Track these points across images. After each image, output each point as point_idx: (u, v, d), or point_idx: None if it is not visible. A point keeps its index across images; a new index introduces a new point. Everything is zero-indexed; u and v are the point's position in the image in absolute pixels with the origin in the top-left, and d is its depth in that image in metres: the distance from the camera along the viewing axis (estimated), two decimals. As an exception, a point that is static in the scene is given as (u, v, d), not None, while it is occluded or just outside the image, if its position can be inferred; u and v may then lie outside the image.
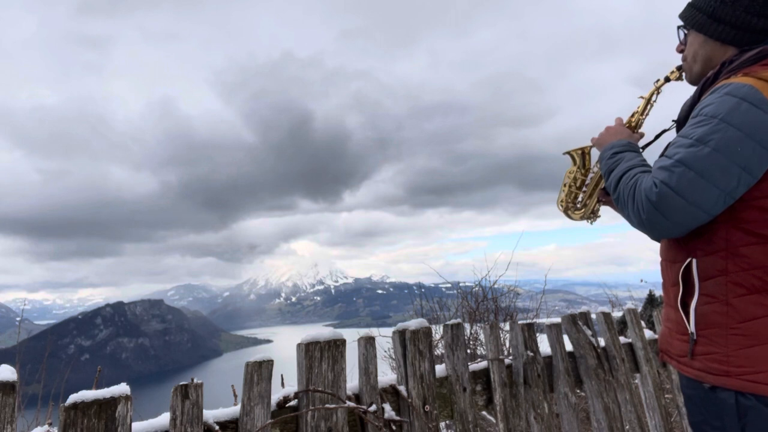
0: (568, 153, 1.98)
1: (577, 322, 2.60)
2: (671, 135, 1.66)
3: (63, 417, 1.32)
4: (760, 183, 1.34)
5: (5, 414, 1.27)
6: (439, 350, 4.04)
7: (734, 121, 1.31)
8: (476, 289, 5.66)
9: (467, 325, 5.17)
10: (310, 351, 1.75)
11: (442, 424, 2.72)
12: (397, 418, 1.87)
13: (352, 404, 1.78)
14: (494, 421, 2.41)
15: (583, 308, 2.76)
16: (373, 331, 3.33)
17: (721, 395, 1.38)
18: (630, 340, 2.85)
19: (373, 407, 1.83)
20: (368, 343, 1.91)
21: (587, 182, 1.96)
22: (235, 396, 2.36)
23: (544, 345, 2.54)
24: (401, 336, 2.01)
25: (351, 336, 1.93)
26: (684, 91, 1.68)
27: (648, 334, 2.94)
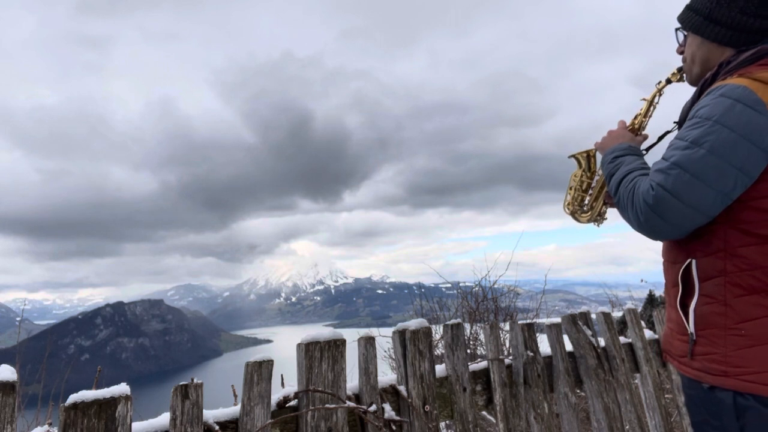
0: (574, 156, 1.98)
1: (577, 322, 2.60)
2: (674, 137, 1.67)
3: (63, 417, 1.32)
4: (757, 183, 1.34)
5: (5, 414, 1.27)
6: (439, 350, 4.04)
7: (729, 123, 1.32)
8: (476, 289, 5.66)
9: (467, 325, 5.17)
10: (310, 351, 1.75)
11: (442, 424, 2.72)
12: (397, 418, 1.87)
13: (352, 404, 1.78)
14: (494, 421, 2.41)
15: (583, 308, 2.76)
16: (373, 331, 3.34)
17: (720, 395, 1.39)
18: (630, 340, 2.85)
19: (373, 407, 1.83)
20: (368, 343, 1.91)
21: (593, 185, 1.97)
22: (235, 396, 2.36)
23: (544, 345, 2.54)
24: (401, 336, 2.01)
25: (351, 336, 1.93)
26: (686, 92, 1.68)
27: (648, 334, 2.94)
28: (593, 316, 2.74)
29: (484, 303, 5.56)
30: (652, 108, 1.86)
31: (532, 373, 2.34)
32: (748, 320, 1.35)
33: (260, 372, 1.63)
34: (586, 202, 1.98)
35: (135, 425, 1.46)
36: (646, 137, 1.83)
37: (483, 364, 2.28)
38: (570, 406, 2.41)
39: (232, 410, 1.64)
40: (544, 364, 2.41)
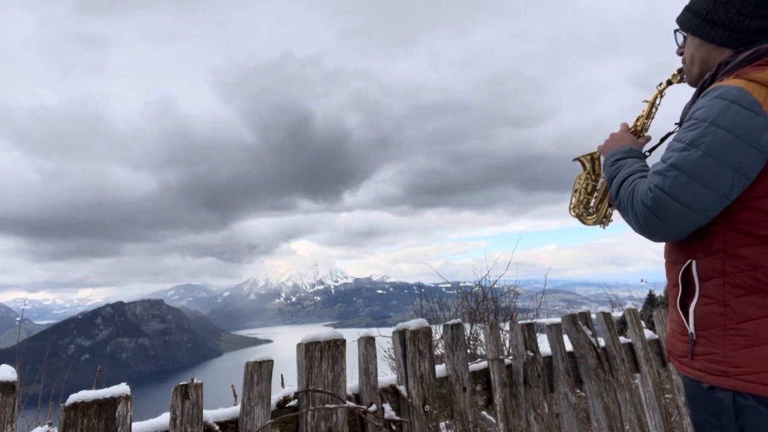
0: (578, 159, 1.99)
1: (577, 322, 2.60)
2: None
3: (63, 417, 1.32)
4: (755, 184, 1.35)
5: (5, 414, 1.27)
6: (439, 350, 4.04)
7: (724, 124, 1.32)
8: (476, 289, 5.66)
9: (467, 325, 5.17)
10: (310, 351, 1.75)
11: (442, 424, 2.72)
12: (397, 418, 1.87)
13: (352, 404, 1.78)
14: (494, 421, 2.41)
15: (583, 308, 2.76)
16: (373, 331, 3.33)
17: (719, 395, 1.39)
18: (630, 340, 2.85)
19: (373, 407, 1.83)
20: (368, 343, 1.91)
21: (598, 187, 1.97)
22: (235, 396, 2.36)
23: (544, 345, 2.54)
24: (401, 336, 2.01)
25: (351, 336, 1.93)
26: (687, 93, 1.69)
27: (648, 334, 2.94)
28: (593, 316, 2.74)
29: (484, 303, 5.56)
30: (653, 109, 1.86)
31: (532, 373, 2.34)
32: (748, 320, 1.35)
33: (260, 372, 1.63)
34: (592, 204, 1.98)
35: (135, 425, 1.46)
36: (648, 139, 1.83)
37: (483, 364, 2.28)
38: (570, 406, 2.41)
39: (232, 410, 1.64)
40: (544, 364, 2.41)
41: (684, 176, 1.34)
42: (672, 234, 1.42)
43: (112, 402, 1.38)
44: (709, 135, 1.33)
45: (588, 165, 1.97)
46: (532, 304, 6.10)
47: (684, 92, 1.76)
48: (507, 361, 2.35)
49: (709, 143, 1.33)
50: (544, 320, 2.74)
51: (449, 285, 6.29)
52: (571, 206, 2.01)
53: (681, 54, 1.71)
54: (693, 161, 1.33)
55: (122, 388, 1.41)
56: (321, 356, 1.76)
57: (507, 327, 2.57)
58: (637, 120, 1.87)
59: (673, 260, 1.57)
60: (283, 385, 2.00)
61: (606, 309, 2.86)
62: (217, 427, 1.55)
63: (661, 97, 1.86)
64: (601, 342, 2.68)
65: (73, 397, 1.35)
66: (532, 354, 2.37)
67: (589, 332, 2.60)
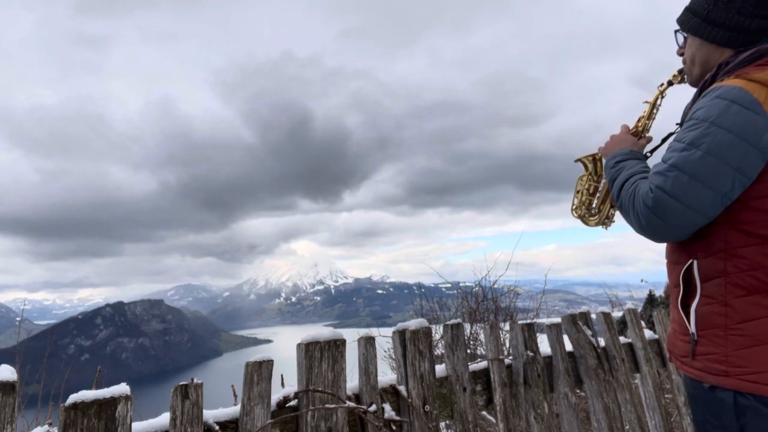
0: (580, 160, 1.99)
1: (577, 322, 2.60)
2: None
3: (63, 417, 1.32)
4: (756, 184, 1.35)
5: (5, 414, 1.27)
6: (439, 350, 4.04)
7: (725, 124, 1.32)
8: (476, 289, 5.66)
9: (467, 325, 5.17)
10: (310, 351, 1.75)
11: (442, 424, 2.72)
12: (397, 418, 1.87)
13: (352, 404, 1.78)
14: (494, 421, 2.41)
15: (583, 308, 2.76)
16: (373, 331, 3.34)
17: (720, 395, 1.39)
18: (630, 340, 2.85)
19: (373, 407, 1.83)
20: (368, 343, 1.91)
21: (600, 188, 1.97)
22: (235, 396, 2.36)
23: (544, 345, 2.54)
24: (401, 336, 2.01)
25: (351, 336, 1.93)
26: (688, 93, 1.69)
27: (648, 334, 2.94)
28: (593, 316, 2.74)
29: (484, 303, 5.56)
30: (654, 110, 1.86)
31: (532, 373, 2.34)
32: (749, 320, 1.35)
33: (260, 372, 1.63)
34: (594, 205, 1.99)
35: (135, 425, 1.46)
36: (650, 140, 1.83)
37: (483, 364, 2.28)
38: (570, 406, 2.41)
39: (232, 410, 1.64)
40: (544, 364, 2.41)
41: (685, 176, 1.34)
42: (673, 234, 1.42)
43: (112, 402, 1.38)
44: (710, 135, 1.33)
45: (590, 166, 1.97)
46: (532, 304, 6.10)
47: (685, 93, 1.76)
48: (507, 361, 2.35)
49: (709, 143, 1.33)
50: (544, 320, 2.74)
51: (449, 285, 6.29)
52: (574, 207, 2.01)
53: (681, 54, 1.71)
54: (694, 161, 1.33)
55: (122, 388, 1.41)
56: (321, 356, 1.76)
57: (507, 327, 2.57)
58: (638, 121, 1.87)
59: (674, 260, 1.58)
60: (283, 385, 2.00)
61: (606, 309, 2.86)
62: (217, 427, 1.55)
63: (662, 97, 1.86)
64: (601, 342, 2.68)
65: (73, 397, 1.35)
66: (532, 354, 2.37)
67: (589, 332, 2.60)
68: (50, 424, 1.60)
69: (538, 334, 2.60)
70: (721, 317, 1.40)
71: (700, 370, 1.45)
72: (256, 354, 1.69)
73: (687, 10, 1.64)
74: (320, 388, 1.73)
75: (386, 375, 2.05)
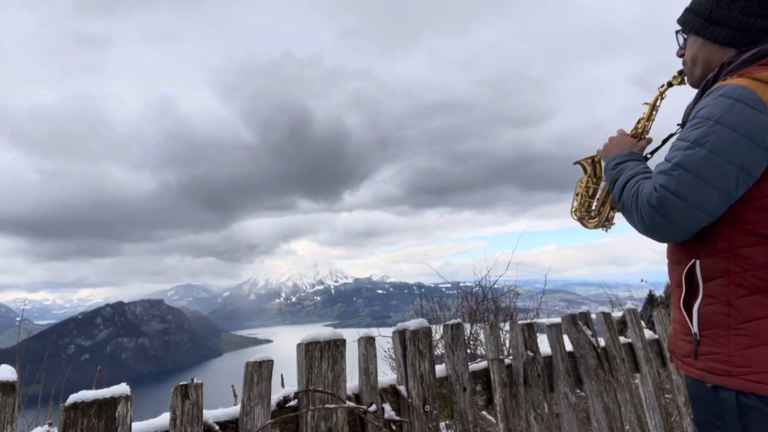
0: (579, 162, 1.98)
1: (577, 322, 2.60)
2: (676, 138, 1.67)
3: (63, 417, 1.32)
4: (760, 183, 1.35)
5: (5, 414, 1.27)
6: (439, 350, 4.04)
7: (729, 122, 1.32)
8: (476, 289, 5.66)
9: (467, 325, 5.17)
10: (310, 351, 1.75)
11: (442, 424, 2.72)
12: (397, 418, 1.87)
13: (352, 404, 1.78)
14: (494, 421, 2.41)
15: (583, 308, 2.76)
16: (373, 331, 3.33)
17: (723, 395, 1.39)
18: (630, 340, 2.85)
19: (373, 407, 1.83)
20: (368, 343, 1.91)
21: (599, 190, 1.97)
22: (235, 396, 2.36)
23: (544, 345, 2.54)
24: (401, 336, 2.01)
25: (351, 336, 1.93)
26: (688, 94, 1.69)
27: (648, 334, 2.94)
28: (593, 316, 2.74)
29: (484, 303, 5.56)
30: (654, 111, 1.86)
31: (532, 373, 2.34)
32: (752, 320, 1.35)
33: (260, 372, 1.63)
34: (594, 207, 1.98)
35: (135, 425, 1.46)
36: (649, 141, 1.83)
37: (483, 364, 2.28)
38: (570, 406, 2.41)
39: (232, 410, 1.64)
40: (544, 364, 2.41)
41: (689, 175, 1.33)
42: (677, 234, 1.42)
43: (112, 402, 1.38)
44: (714, 133, 1.33)
45: (589, 168, 1.97)
46: (532, 304, 6.10)
47: (685, 94, 1.76)
48: (507, 361, 2.35)
49: (713, 141, 1.32)
50: (544, 320, 2.74)
51: (449, 285, 6.29)
52: (573, 210, 2.01)
53: (681, 56, 1.71)
54: (698, 160, 1.33)
55: (122, 388, 1.41)
56: (321, 356, 1.76)
57: (507, 327, 2.57)
58: (638, 122, 1.86)
59: (675, 260, 1.57)
60: (283, 385, 2.00)
61: (606, 309, 2.85)
62: (217, 427, 1.55)
63: (662, 99, 1.85)
64: (601, 342, 2.68)
65: (73, 397, 1.35)
66: (532, 354, 2.37)
67: (589, 332, 2.60)
68: (50, 424, 1.60)
69: (538, 334, 2.60)
70: (724, 317, 1.39)
71: (702, 370, 1.45)
72: (256, 354, 1.69)
73: (688, 10, 1.64)
74: (320, 388, 1.73)
75: (386, 375, 2.05)
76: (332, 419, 1.72)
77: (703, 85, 1.55)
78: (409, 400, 1.92)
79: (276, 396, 1.69)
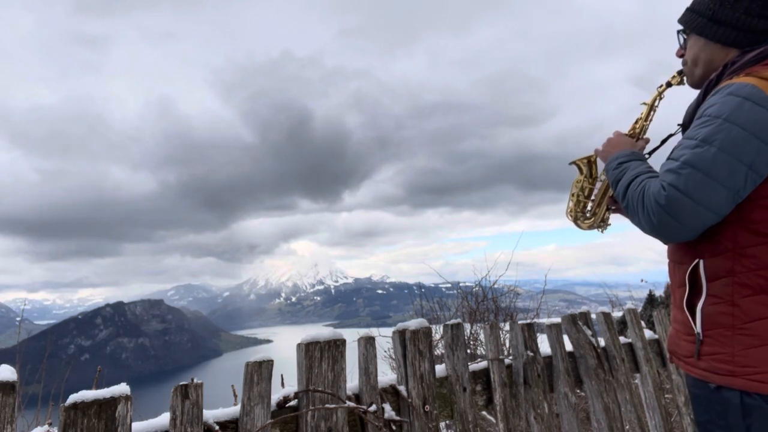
0: (574, 163, 1.97)
1: (577, 322, 2.60)
2: (677, 139, 1.66)
3: (63, 417, 1.32)
4: (767, 182, 1.34)
5: (5, 414, 1.27)
6: (439, 350, 4.04)
7: (738, 121, 1.31)
8: (476, 289, 5.66)
9: (467, 325, 5.17)
10: (310, 351, 1.75)
11: (442, 424, 2.72)
12: (397, 418, 1.87)
13: (352, 404, 1.78)
14: (494, 421, 2.41)
15: (583, 308, 2.76)
16: (373, 331, 3.33)
17: (727, 395, 1.38)
18: (630, 340, 2.85)
19: (373, 407, 1.83)
20: (368, 343, 1.91)
21: (595, 191, 1.95)
22: (235, 396, 2.36)
23: (544, 345, 2.54)
24: (401, 336, 2.01)
25: (351, 336, 1.93)
26: (688, 94, 1.68)
27: (648, 334, 2.94)
28: (593, 316, 2.74)
29: (484, 303, 5.56)
30: (652, 112, 1.85)
31: (532, 373, 2.34)
32: (756, 320, 1.34)
33: (260, 372, 1.63)
34: (589, 208, 1.97)
35: (135, 425, 1.46)
36: (647, 141, 1.82)
37: (483, 364, 2.28)
38: (570, 406, 2.41)
39: (232, 410, 1.64)
40: (544, 364, 2.41)
41: (699, 173, 1.32)
42: (684, 233, 1.39)
43: (112, 402, 1.38)
44: (723, 131, 1.32)
45: (585, 169, 1.95)
46: (532, 304, 6.10)
47: (683, 94, 1.76)
48: (507, 361, 2.35)
49: (723, 140, 1.31)
50: (544, 320, 2.74)
51: (449, 285, 6.29)
52: (568, 210, 2.00)
53: (681, 56, 1.70)
54: (708, 158, 1.32)
55: (122, 388, 1.41)
56: (321, 356, 1.76)
57: (507, 327, 2.57)
58: (636, 122, 1.85)
59: (678, 260, 1.56)
60: (283, 385, 2.00)
61: (606, 309, 2.85)
62: (217, 427, 1.55)
63: (660, 99, 1.85)
64: (601, 342, 2.68)
65: (73, 397, 1.35)
66: (532, 354, 2.37)
67: (589, 332, 2.60)
68: (50, 424, 1.60)
69: (538, 334, 2.60)
70: (728, 317, 1.39)
71: (705, 370, 1.44)
72: (256, 354, 1.69)
73: (690, 10, 1.63)
74: (320, 388, 1.73)
75: (386, 375, 2.05)
76: (332, 419, 1.72)
77: (706, 85, 1.54)
78: (409, 400, 1.92)
79: (276, 396, 1.69)
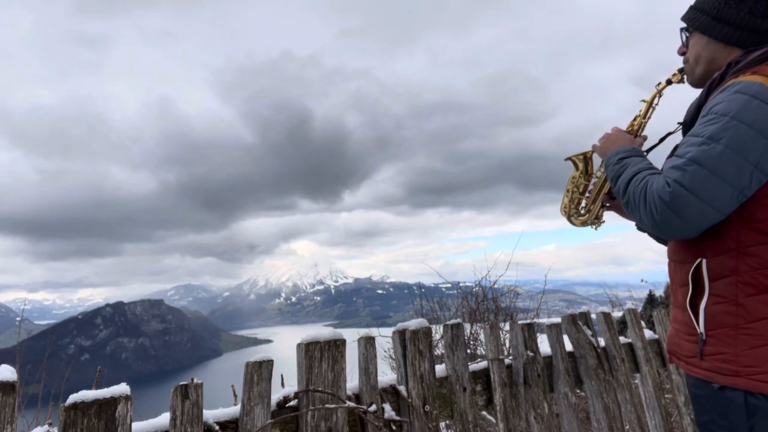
0: (570, 159, 1.96)
1: (577, 322, 2.60)
2: (676, 137, 1.66)
3: (63, 417, 1.32)
4: None
5: (5, 414, 1.27)
6: (439, 350, 4.04)
7: (745, 119, 1.31)
8: (476, 289, 5.66)
9: (467, 325, 5.17)
10: (310, 351, 1.75)
11: (442, 424, 2.72)
12: (397, 418, 1.87)
13: (352, 404, 1.78)
14: (494, 421, 2.41)
15: (583, 308, 2.76)
16: (373, 331, 3.33)
17: (730, 395, 1.37)
18: (630, 340, 2.85)
19: (373, 407, 1.83)
20: (368, 343, 1.91)
21: (590, 187, 1.95)
22: (235, 396, 2.36)
23: (544, 345, 2.54)
24: (401, 336, 2.01)
25: (351, 336, 1.93)
26: (686, 93, 1.68)
27: (648, 334, 2.94)
28: (593, 316, 2.74)
29: (484, 303, 5.56)
30: (651, 109, 1.85)
31: (532, 373, 2.33)
32: (760, 319, 1.34)
33: (260, 372, 1.63)
34: (584, 204, 1.96)
35: (135, 425, 1.46)
36: (645, 138, 1.82)
37: (483, 364, 2.28)
38: (570, 406, 2.41)
39: (232, 410, 1.64)
40: (544, 364, 2.41)
41: (704, 171, 1.31)
42: (687, 231, 1.38)
43: (112, 402, 1.38)
44: (730, 129, 1.31)
45: (580, 165, 1.95)
46: (532, 304, 6.10)
47: (682, 92, 1.75)
48: (507, 361, 2.35)
49: (730, 137, 1.31)
50: (544, 320, 2.74)
51: (449, 285, 6.29)
52: (562, 206, 2.00)
53: (683, 53, 1.69)
54: (714, 156, 1.31)
55: (122, 388, 1.41)
56: (321, 356, 1.76)
57: (507, 327, 2.57)
58: (635, 119, 1.84)
59: (679, 259, 1.55)
60: (283, 385, 2.00)
61: (606, 309, 2.85)
62: (217, 427, 1.55)
63: (659, 97, 1.84)
64: (601, 342, 2.68)
65: (73, 397, 1.35)
66: (532, 354, 2.37)
67: (589, 332, 2.60)
68: (50, 424, 1.60)
69: (538, 334, 2.60)
70: (731, 316, 1.38)
71: (708, 370, 1.43)
72: (256, 354, 1.69)
73: (693, 8, 1.63)
74: (320, 388, 1.73)
75: (386, 375, 2.05)
76: (332, 419, 1.72)
77: (709, 84, 1.54)
78: (409, 400, 1.92)
79: (276, 396, 1.69)
